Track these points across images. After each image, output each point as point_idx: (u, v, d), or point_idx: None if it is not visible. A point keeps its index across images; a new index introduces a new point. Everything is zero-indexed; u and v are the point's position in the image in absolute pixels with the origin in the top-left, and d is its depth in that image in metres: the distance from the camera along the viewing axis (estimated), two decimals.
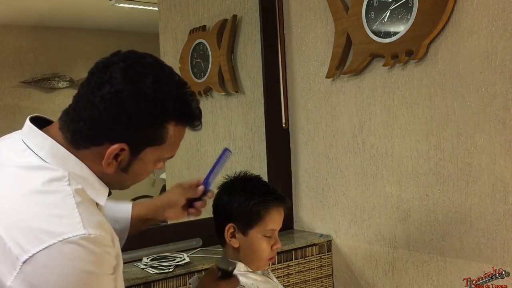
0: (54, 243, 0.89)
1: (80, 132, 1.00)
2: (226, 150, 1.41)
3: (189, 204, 1.41)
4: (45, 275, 0.89)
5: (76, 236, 0.90)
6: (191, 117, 1.06)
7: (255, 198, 1.39)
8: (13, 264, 0.89)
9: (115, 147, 0.99)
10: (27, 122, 1.04)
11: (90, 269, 0.91)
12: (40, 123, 1.05)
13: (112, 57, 1.03)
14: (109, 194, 1.09)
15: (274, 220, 1.41)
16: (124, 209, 1.39)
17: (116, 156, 1.00)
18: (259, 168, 2.49)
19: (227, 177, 1.47)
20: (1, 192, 0.97)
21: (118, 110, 0.98)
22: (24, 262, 0.88)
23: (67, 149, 1.00)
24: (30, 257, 0.88)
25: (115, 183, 1.07)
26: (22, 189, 0.95)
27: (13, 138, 1.05)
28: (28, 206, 0.93)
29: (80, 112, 1.00)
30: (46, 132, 1.02)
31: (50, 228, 0.90)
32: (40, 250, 0.88)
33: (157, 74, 1.01)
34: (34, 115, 1.07)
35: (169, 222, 2.10)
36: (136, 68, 1.00)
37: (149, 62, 1.03)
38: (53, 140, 1.00)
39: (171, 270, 1.88)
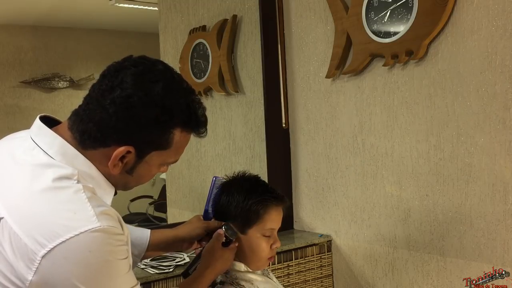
0: (71, 237, 0.93)
1: (89, 133, 1.02)
2: (215, 178, 1.45)
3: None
4: (65, 267, 0.93)
5: (92, 228, 0.94)
6: (197, 124, 1.09)
7: (254, 197, 1.38)
8: (31, 260, 0.93)
9: (122, 149, 1.02)
10: (37, 121, 1.07)
11: (107, 258, 0.97)
12: (49, 122, 1.07)
13: (124, 61, 1.06)
14: (115, 193, 1.11)
15: (273, 219, 1.41)
16: (141, 236, 1.42)
17: (122, 158, 1.03)
18: (259, 168, 2.49)
19: (226, 177, 1.47)
20: (13, 190, 1.00)
21: (127, 114, 1.01)
22: (42, 257, 0.92)
23: (75, 148, 1.03)
24: (48, 251, 0.92)
25: (119, 184, 1.10)
26: (34, 186, 0.98)
27: (22, 137, 1.08)
28: (41, 203, 0.97)
29: (90, 114, 1.03)
30: (55, 131, 1.04)
31: (65, 222, 0.94)
32: (58, 244, 0.92)
33: (167, 81, 1.04)
34: (43, 114, 1.09)
35: (168, 222, 2.10)
36: (147, 74, 1.03)
37: (159, 69, 1.06)
38: (62, 139, 1.03)
39: (171, 270, 1.88)
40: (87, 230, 0.94)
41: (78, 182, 1.00)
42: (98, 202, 1.00)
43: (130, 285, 1.03)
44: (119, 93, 1.00)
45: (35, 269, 0.92)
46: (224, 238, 1.36)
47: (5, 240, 0.95)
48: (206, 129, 1.12)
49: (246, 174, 1.47)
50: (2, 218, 0.96)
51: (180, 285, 1.30)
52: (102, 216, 0.97)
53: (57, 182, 0.98)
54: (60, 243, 0.92)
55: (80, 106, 1.06)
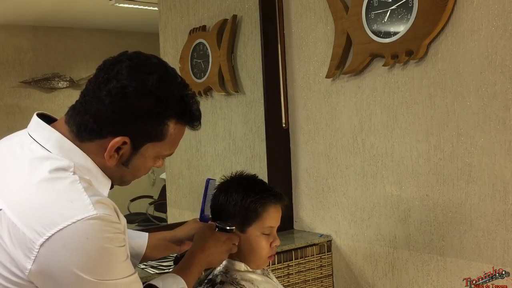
0: (68, 225, 0.95)
1: (85, 125, 1.05)
2: (208, 180, 1.47)
3: None
4: (64, 255, 0.95)
5: (89, 216, 0.96)
6: (191, 117, 1.11)
7: (252, 195, 1.39)
8: (29, 249, 0.94)
9: (118, 140, 1.04)
10: (35, 117, 1.09)
11: (105, 245, 0.99)
12: (46, 120, 1.09)
13: (120, 56, 1.09)
14: (111, 187, 1.13)
15: (272, 217, 1.41)
16: (139, 237, 1.44)
17: (118, 149, 1.06)
18: (259, 168, 2.49)
19: (224, 177, 1.47)
20: (11, 183, 1.02)
21: (122, 105, 1.03)
22: (41, 245, 0.94)
23: (72, 142, 1.05)
24: (46, 240, 0.94)
25: (115, 177, 1.12)
26: (31, 178, 1.00)
27: (20, 135, 1.10)
28: (38, 193, 0.98)
29: (86, 106, 1.06)
30: (52, 127, 1.07)
31: (62, 211, 0.96)
32: (55, 232, 0.94)
33: (161, 74, 1.07)
34: (40, 112, 1.11)
35: (168, 222, 2.10)
36: (142, 67, 1.06)
37: (154, 62, 1.09)
38: (59, 134, 1.05)
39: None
40: (83, 218, 0.96)
41: (74, 173, 1.02)
42: (94, 192, 1.02)
43: (128, 273, 1.06)
44: (114, 84, 1.03)
45: (33, 258, 0.94)
46: (216, 229, 1.38)
47: (4, 232, 0.97)
48: (200, 123, 1.14)
49: (244, 174, 1.48)
50: (1, 210, 0.98)
51: (173, 270, 1.30)
52: (98, 205, 0.99)
53: (53, 173, 1.00)
54: (58, 231, 0.94)
55: (77, 100, 1.09)
